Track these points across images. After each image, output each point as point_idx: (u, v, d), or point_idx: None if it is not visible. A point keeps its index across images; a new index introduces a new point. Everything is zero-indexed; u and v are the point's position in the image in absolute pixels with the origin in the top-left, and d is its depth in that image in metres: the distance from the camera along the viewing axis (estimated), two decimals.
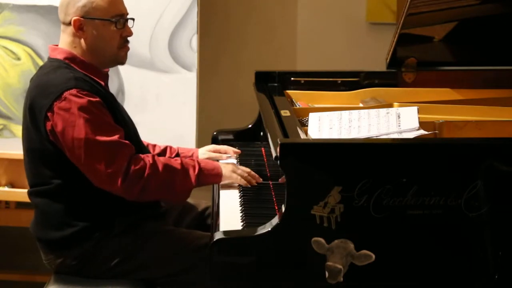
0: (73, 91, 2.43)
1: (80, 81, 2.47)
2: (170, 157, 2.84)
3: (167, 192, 2.50)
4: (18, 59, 3.47)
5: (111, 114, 2.49)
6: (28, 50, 3.46)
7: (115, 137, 2.44)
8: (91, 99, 2.44)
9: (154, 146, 2.88)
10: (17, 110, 3.45)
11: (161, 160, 2.50)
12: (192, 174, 2.51)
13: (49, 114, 2.43)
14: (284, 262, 2.15)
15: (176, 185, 2.49)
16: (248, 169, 2.65)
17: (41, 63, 3.41)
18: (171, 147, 2.90)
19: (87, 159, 2.41)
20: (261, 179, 2.64)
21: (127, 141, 2.47)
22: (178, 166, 2.51)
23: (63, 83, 2.45)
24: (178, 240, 2.55)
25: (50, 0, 3.42)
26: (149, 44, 3.45)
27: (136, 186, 2.43)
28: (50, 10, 3.42)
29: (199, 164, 2.55)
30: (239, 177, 2.60)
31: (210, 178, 2.57)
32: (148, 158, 2.47)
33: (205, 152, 2.92)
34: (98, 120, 2.43)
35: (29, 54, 3.46)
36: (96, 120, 2.43)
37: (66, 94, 2.42)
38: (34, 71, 3.37)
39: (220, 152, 2.92)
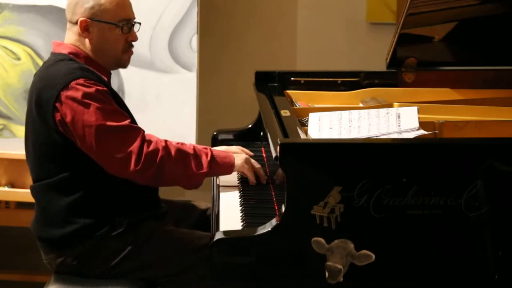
0: (80, 80, 2.43)
1: (85, 71, 2.48)
2: None
3: (181, 177, 2.50)
4: (18, 59, 3.47)
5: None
6: (28, 50, 3.46)
7: (126, 122, 2.44)
8: (99, 87, 2.45)
9: (166, 140, 2.88)
10: (17, 110, 3.45)
11: (174, 145, 2.50)
12: (205, 160, 2.51)
13: (57, 104, 2.43)
14: (284, 262, 2.15)
15: (189, 170, 2.49)
16: (259, 165, 2.65)
17: (41, 63, 3.41)
18: (183, 144, 2.89)
19: (99, 146, 2.41)
20: (264, 182, 2.63)
21: (137, 125, 2.47)
22: (191, 151, 2.51)
23: (69, 74, 2.45)
24: (178, 240, 2.55)
25: (50, 0, 3.42)
26: (149, 44, 3.45)
27: (149, 169, 2.43)
28: (50, 10, 3.42)
29: (211, 151, 2.55)
30: (250, 168, 2.60)
31: (223, 166, 2.56)
32: (161, 142, 2.47)
33: None
34: (107, 107, 2.44)
35: (29, 54, 3.46)
36: (105, 107, 2.43)
37: (73, 83, 2.43)
38: (34, 71, 3.37)
39: None
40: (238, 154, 2.65)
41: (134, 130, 2.45)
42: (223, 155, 2.58)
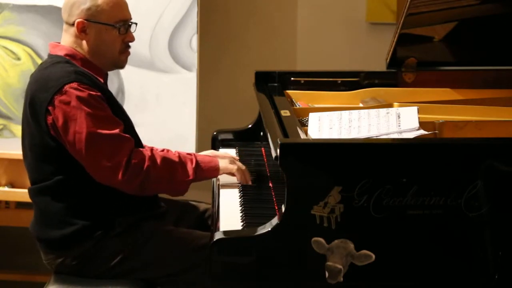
0: (74, 84, 2.43)
1: (80, 75, 2.47)
2: None
3: (166, 185, 2.50)
4: (18, 59, 3.47)
5: (111, 109, 2.50)
6: (28, 50, 3.46)
7: (116, 130, 2.44)
8: (92, 92, 2.44)
9: (152, 149, 2.88)
10: (17, 110, 3.45)
11: (159, 153, 2.50)
12: (190, 167, 2.52)
13: (50, 108, 2.43)
14: (284, 262, 2.15)
15: (175, 178, 2.50)
16: (245, 167, 2.65)
17: (41, 62, 3.41)
18: (168, 150, 2.90)
19: (88, 153, 2.41)
20: (250, 182, 2.63)
21: (127, 135, 2.47)
22: (176, 159, 2.51)
23: (63, 77, 2.45)
24: (178, 240, 2.55)
25: (50, 0, 3.42)
26: (149, 44, 3.45)
27: (136, 179, 2.43)
28: (50, 10, 3.42)
29: (196, 157, 2.55)
30: (235, 167, 2.60)
31: (208, 171, 2.57)
32: (146, 151, 2.48)
33: None
34: (99, 114, 2.44)
35: (29, 54, 3.46)
36: (97, 114, 2.43)
37: (66, 87, 2.43)
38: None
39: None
40: (223, 156, 2.65)
41: (124, 140, 2.45)
42: (208, 159, 2.58)
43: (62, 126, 2.42)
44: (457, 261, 2.17)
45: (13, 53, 3.47)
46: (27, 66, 3.46)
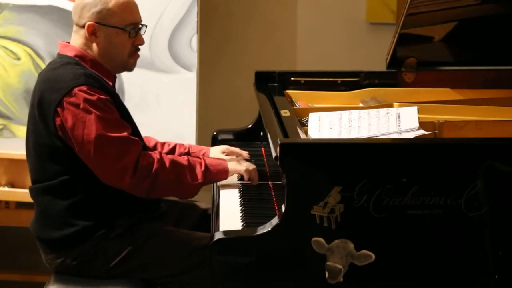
0: (83, 87, 2.43)
1: (90, 78, 2.47)
2: (179, 155, 2.85)
3: (175, 188, 2.50)
4: (18, 59, 3.47)
5: (118, 112, 2.50)
6: (28, 50, 3.46)
7: (125, 133, 2.44)
8: (101, 96, 2.44)
9: (164, 144, 2.88)
10: (17, 110, 3.45)
11: (168, 157, 2.50)
12: (199, 170, 2.51)
13: (58, 109, 2.43)
14: (284, 262, 2.15)
15: (184, 181, 2.49)
16: (254, 166, 2.64)
17: (41, 63, 3.41)
18: (181, 145, 2.89)
19: (96, 155, 2.41)
20: (256, 182, 2.64)
21: (135, 138, 2.47)
22: (185, 163, 2.51)
23: (73, 79, 2.45)
24: (178, 241, 2.55)
25: (50, 0, 3.42)
26: (149, 44, 3.45)
27: (144, 182, 2.43)
28: (50, 10, 3.42)
29: (205, 161, 2.55)
30: (243, 168, 2.60)
31: (217, 174, 2.56)
32: (155, 154, 2.48)
33: (216, 153, 2.91)
34: (108, 117, 2.44)
35: (29, 54, 3.46)
36: (106, 117, 2.43)
37: (76, 90, 2.42)
38: (34, 71, 3.38)
39: (233, 155, 2.91)
40: (231, 158, 2.65)
41: (132, 143, 2.45)
42: (216, 162, 2.58)
43: (70, 128, 2.42)
44: (457, 261, 2.17)
45: (13, 53, 3.47)
46: (27, 66, 3.46)
